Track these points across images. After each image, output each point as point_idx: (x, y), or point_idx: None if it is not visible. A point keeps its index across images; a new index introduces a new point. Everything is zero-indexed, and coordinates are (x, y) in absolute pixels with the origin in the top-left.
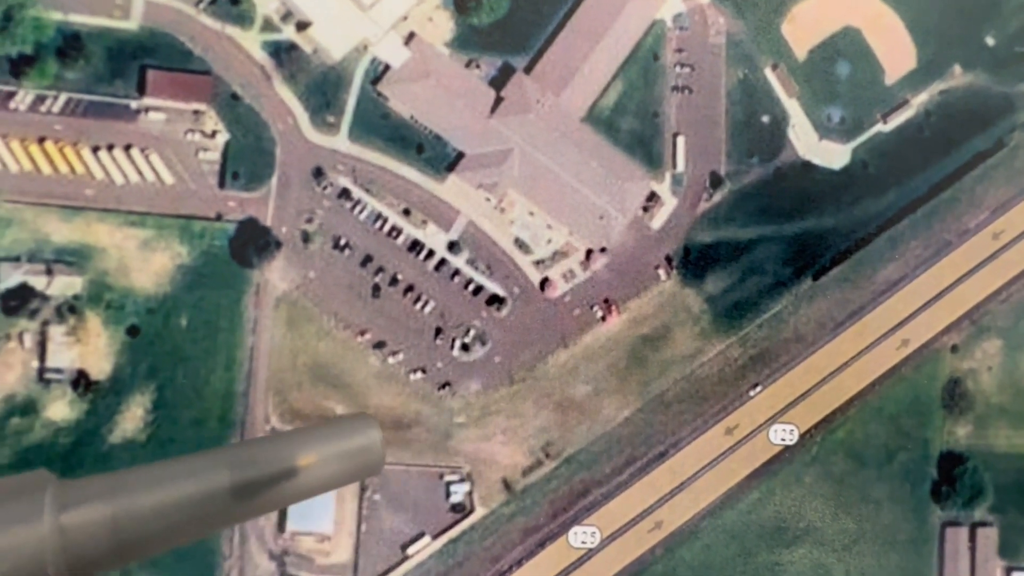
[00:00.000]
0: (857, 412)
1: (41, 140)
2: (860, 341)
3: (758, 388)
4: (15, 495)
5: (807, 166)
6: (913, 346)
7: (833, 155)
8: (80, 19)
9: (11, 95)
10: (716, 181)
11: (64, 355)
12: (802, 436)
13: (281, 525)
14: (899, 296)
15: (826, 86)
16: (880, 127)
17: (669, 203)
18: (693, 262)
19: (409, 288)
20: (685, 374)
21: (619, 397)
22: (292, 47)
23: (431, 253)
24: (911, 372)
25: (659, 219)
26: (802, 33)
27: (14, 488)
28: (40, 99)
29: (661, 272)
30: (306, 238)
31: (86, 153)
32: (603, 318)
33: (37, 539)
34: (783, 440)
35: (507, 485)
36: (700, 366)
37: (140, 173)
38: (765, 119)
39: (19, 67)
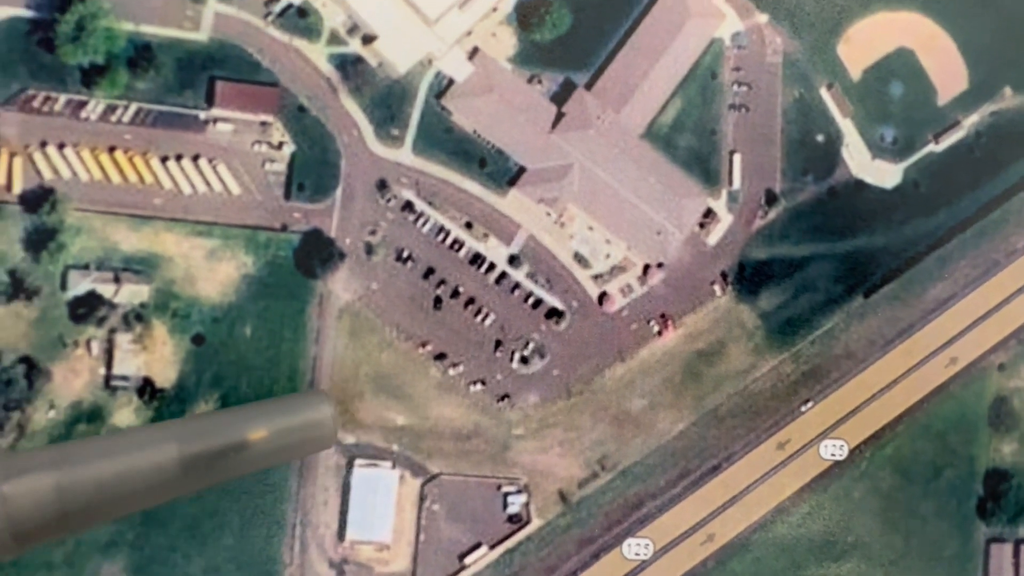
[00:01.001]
0: (905, 429)
1: (111, 149)
2: (909, 359)
3: (809, 404)
4: None
5: (860, 185)
6: (961, 364)
7: (885, 174)
8: (151, 30)
9: (82, 104)
10: (771, 198)
11: (130, 363)
12: (852, 452)
13: (341, 534)
14: (948, 315)
15: (879, 106)
16: (932, 147)
17: (725, 220)
18: (748, 278)
19: (470, 301)
20: (739, 389)
21: (674, 411)
22: (358, 60)
23: (492, 266)
24: (959, 390)
25: (715, 235)
26: (857, 54)
27: None
28: (111, 109)
29: (716, 288)
30: (369, 250)
31: (155, 163)
32: (659, 333)
33: None
34: (833, 455)
35: (563, 497)
36: (753, 381)
37: (208, 183)
38: (820, 138)
39: (91, 77)
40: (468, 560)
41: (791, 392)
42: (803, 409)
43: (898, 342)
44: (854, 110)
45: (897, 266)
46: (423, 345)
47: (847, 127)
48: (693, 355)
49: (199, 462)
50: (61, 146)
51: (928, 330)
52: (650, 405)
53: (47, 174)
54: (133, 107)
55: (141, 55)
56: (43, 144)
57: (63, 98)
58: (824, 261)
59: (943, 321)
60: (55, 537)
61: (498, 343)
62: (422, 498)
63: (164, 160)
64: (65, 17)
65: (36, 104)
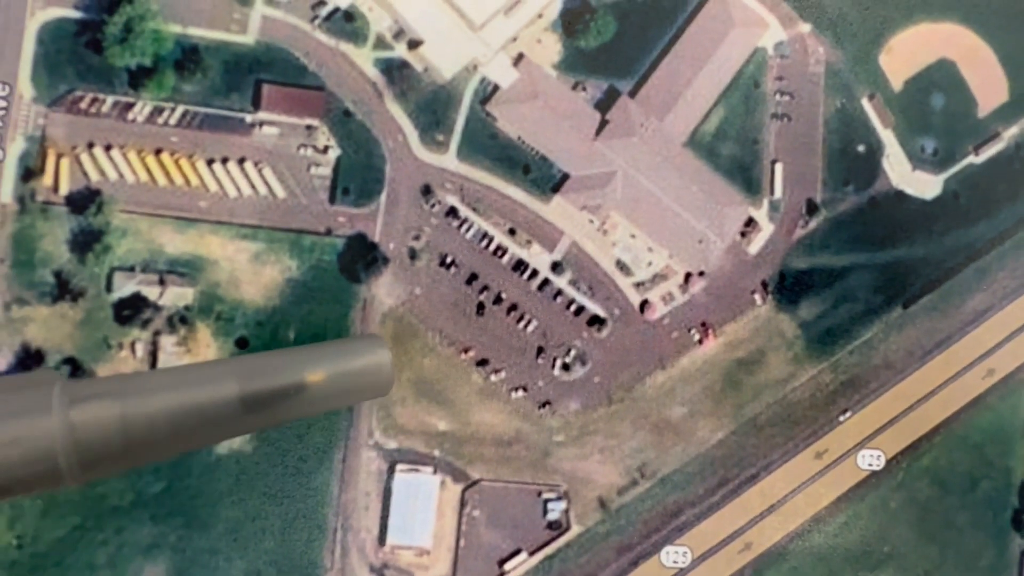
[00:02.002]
0: (942, 440)
1: (158, 151)
2: (947, 370)
3: (847, 414)
4: (23, 389)
5: (900, 196)
6: (998, 376)
7: (925, 185)
8: (198, 32)
9: (129, 106)
10: (812, 208)
11: (174, 365)
12: (889, 462)
13: (381, 538)
14: (986, 326)
15: (920, 117)
16: (972, 159)
17: (766, 229)
18: (788, 288)
19: (513, 307)
20: (778, 398)
21: (713, 419)
22: (404, 65)
23: (535, 273)
24: (996, 401)
25: (756, 244)
26: (899, 64)
27: (22, 383)
28: (158, 111)
29: (757, 297)
30: (413, 255)
31: (201, 165)
32: (700, 341)
33: (46, 432)
34: (871, 465)
35: (602, 504)
36: (792, 391)
37: (253, 187)
38: (861, 148)
39: (138, 79)
40: (508, 566)
41: (829, 402)
42: (841, 419)
43: (936, 353)
44: (895, 121)
45: (936, 277)
46: (465, 351)
47: (888, 138)
48: (733, 364)
49: (258, 401)
50: (108, 147)
51: (966, 341)
52: (690, 413)
53: (94, 175)
54: (180, 109)
55: (188, 57)
56: (90, 145)
57: (110, 99)
58: (864, 271)
59: (981, 333)
60: (119, 468)
61: (540, 350)
62: (463, 504)
63: (210, 163)
64: (113, 19)
65: (83, 105)
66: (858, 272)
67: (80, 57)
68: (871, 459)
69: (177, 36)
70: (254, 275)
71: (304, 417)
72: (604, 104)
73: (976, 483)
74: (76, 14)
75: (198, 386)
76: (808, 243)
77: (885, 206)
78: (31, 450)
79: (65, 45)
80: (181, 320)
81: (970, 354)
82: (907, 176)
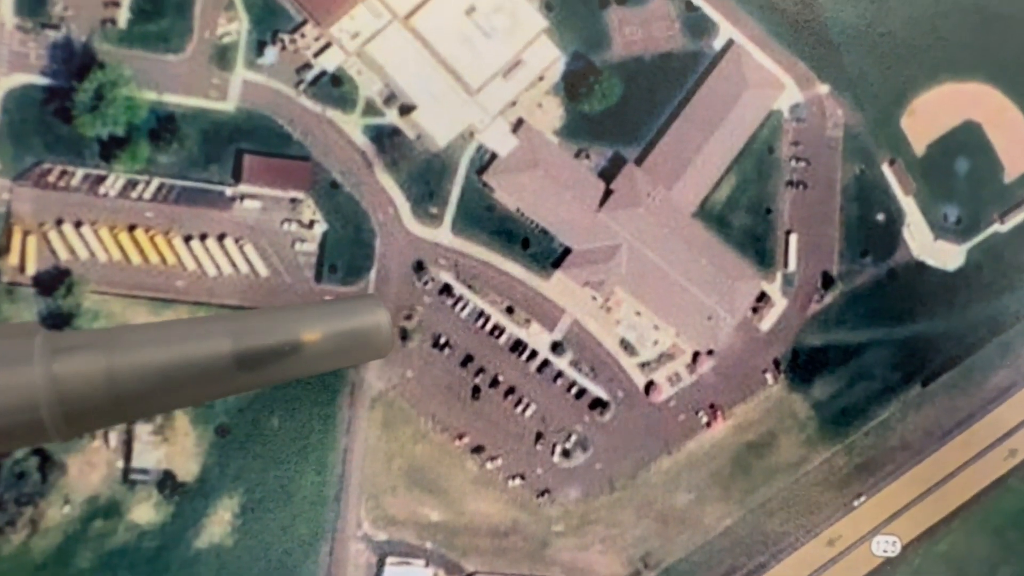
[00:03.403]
0: (961, 524)
1: (131, 228)
2: (967, 450)
3: (862, 498)
4: (1, 339)
5: (920, 267)
6: (1020, 456)
7: (947, 256)
8: (175, 99)
9: (101, 179)
10: (828, 281)
11: (150, 455)
12: (904, 548)
13: None
14: (1008, 404)
15: (944, 183)
16: (996, 227)
17: (779, 304)
18: (801, 366)
19: (510, 390)
20: (789, 483)
21: (721, 505)
22: (395, 132)
23: (534, 354)
24: (1017, 483)
25: (768, 321)
26: (922, 127)
27: (2, 333)
28: (131, 184)
29: (768, 376)
30: (404, 335)
31: (178, 242)
32: (708, 424)
33: (28, 383)
34: (885, 552)
35: None
36: (804, 474)
37: (234, 265)
38: (880, 217)
39: (110, 150)
40: None
41: (843, 485)
42: (855, 503)
43: (956, 433)
44: (917, 187)
45: (957, 353)
46: (460, 437)
47: (909, 205)
48: (742, 447)
49: (252, 358)
50: (78, 224)
51: (987, 420)
52: (696, 500)
53: (63, 254)
54: (155, 182)
55: (164, 126)
56: (59, 222)
57: (80, 172)
58: (881, 348)
59: (1003, 411)
60: (107, 424)
61: (539, 435)
62: None
63: (188, 239)
64: (83, 85)
65: (51, 179)
66: (875, 349)
67: (48, 127)
68: (886, 545)
69: (152, 103)
70: None
71: (299, 377)
72: (609, 172)
73: (996, 569)
74: (43, 80)
75: (189, 341)
76: (823, 318)
77: (905, 278)
78: (11, 401)
79: (31, 114)
80: None
81: (991, 434)
82: (928, 246)
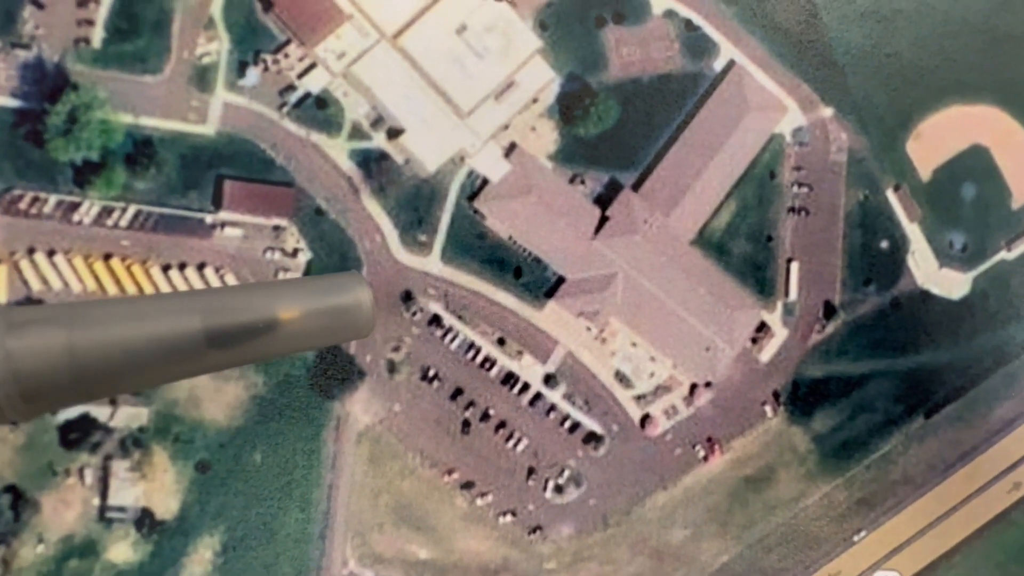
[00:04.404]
0: (963, 559)
1: (107, 257)
2: (970, 484)
3: (862, 533)
4: None
5: (925, 296)
6: None
7: (952, 284)
8: (152, 122)
9: (75, 207)
10: (830, 311)
11: (128, 492)
12: None
13: None
14: (1013, 436)
15: (950, 209)
16: (1003, 254)
17: (779, 334)
18: (802, 398)
19: (501, 424)
20: (788, 518)
21: (718, 541)
22: (382, 156)
23: (526, 386)
24: (1021, 517)
25: (768, 352)
26: (928, 152)
27: None
28: (106, 211)
29: (768, 409)
30: (392, 368)
31: (156, 272)
32: (705, 458)
33: None
34: None
35: None
36: (803, 509)
37: None
38: (884, 244)
39: (84, 175)
40: None
41: (843, 520)
42: (855, 539)
43: (959, 466)
44: (922, 214)
45: (961, 384)
46: (449, 472)
47: (914, 232)
48: (740, 481)
49: (224, 336)
50: (51, 253)
51: (991, 453)
52: (693, 536)
53: (35, 284)
54: (131, 209)
55: (141, 151)
56: (31, 251)
57: (53, 199)
58: (884, 379)
59: (1008, 443)
60: (70, 403)
61: (531, 470)
62: None
63: (166, 269)
64: (55, 108)
65: (23, 206)
66: (877, 380)
67: (19, 151)
68: None
69: (128, 127)
70: (215, 392)
71: (277, 356)
72: (604, 198)
73: None
74: (14, 103)
75: (156, 317)
76: (824, 349)
77: (908, 308)
78: None
79: (1, 138)
80: (135, 443)
81: (995, 467)
82: (933, 274)
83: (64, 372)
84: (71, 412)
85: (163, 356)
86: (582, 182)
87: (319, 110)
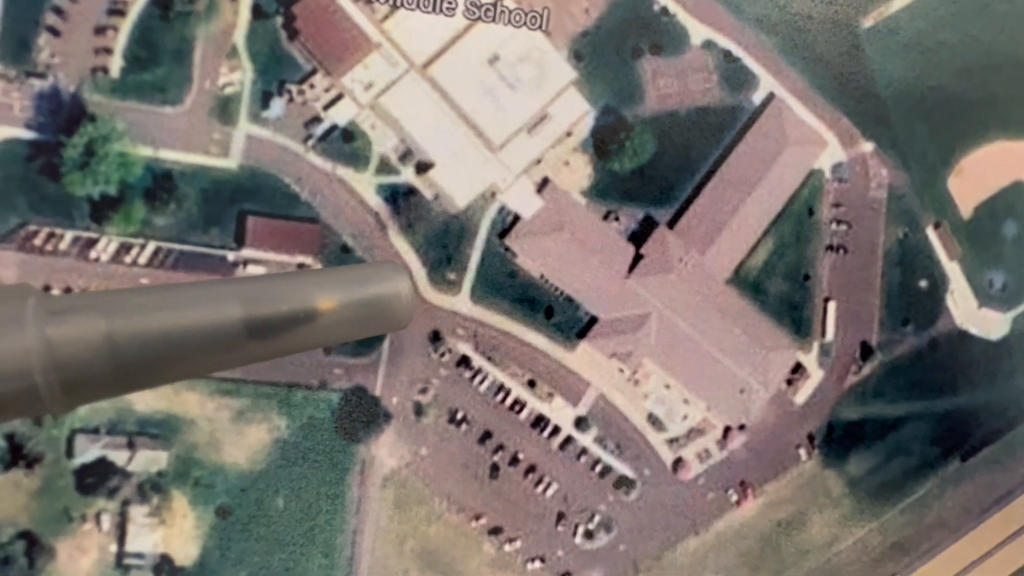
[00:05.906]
0: None
1: None
2: (1006, 528)
3: None
4: None
5: (963, 336)
6: None
7: (992, 325)
8: (172, 156)
9: (92, 243)
10: (867, 352)
11: (146, 538)
12: None
13: None
14: None
15: (990, 248)
16: None
17: (815, 376)
18: (837, 441)
19: (531, 469)
20: (820, 563)
21: None
22: (411, 192)
23: (556, 430)
24: None
25: (803, 394)
26: (969, 188)
27: None
28: (125, 248)
29: (802, 452)
30: (419, 411)
31: None
32: (738, 502)
33: (19, 347)
34: None
35: None
36: (836, 554)
37: None
38: (923, 283)
39: (101, 210)
40: None
41: (876, 565)
42: None
43: (995, 510)
44: (962, 252)
45: (998, 427)
46: (476, 518)
47: (953, 271)
48: (773, 526)
49: (264, 326)
50: (67, 291)
51: None
52: None
53: None
54: (151, 246)
55: (160, 185)
56: (46, 288)
57: (69, 235)
58: (920, 421)
59: None
60: (107, 394)
61: (560, 516)
62: None
63: None
64: (72, 140)
65: (38, 242)
66: (914, 422)
67: (34, 185)
68: None
69: (147, 160)
70: (237, 435)
71: (314, 347)
72: (639, 236)
73: None
74: (28, 134)
75: (197, 305)
76: (860, 391)
77: (946, 348)
78: (2, 367)
79: (16, 171)
80: (153, 488)
81: None
82: (972, 314)
83: (104, 362)
84: (88, 456)
85: (203, 346)
86: (616, 219)
87: (345, 143)
